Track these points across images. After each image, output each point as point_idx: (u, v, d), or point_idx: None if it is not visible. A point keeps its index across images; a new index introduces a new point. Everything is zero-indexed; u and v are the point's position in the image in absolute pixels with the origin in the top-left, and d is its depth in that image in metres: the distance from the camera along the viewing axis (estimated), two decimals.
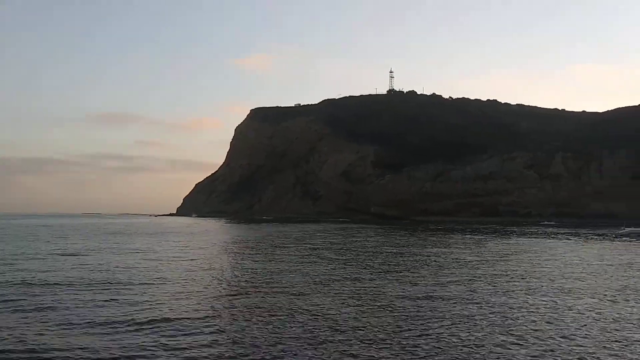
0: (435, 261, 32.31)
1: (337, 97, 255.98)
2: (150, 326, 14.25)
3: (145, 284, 21.86)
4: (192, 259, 32.91)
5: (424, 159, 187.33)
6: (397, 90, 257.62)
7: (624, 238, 62.38)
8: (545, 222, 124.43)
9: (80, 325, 14.42)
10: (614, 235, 67.80)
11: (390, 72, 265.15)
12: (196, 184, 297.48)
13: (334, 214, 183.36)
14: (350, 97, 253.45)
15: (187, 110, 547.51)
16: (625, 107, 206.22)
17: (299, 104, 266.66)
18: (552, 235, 68.06)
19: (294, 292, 19.91)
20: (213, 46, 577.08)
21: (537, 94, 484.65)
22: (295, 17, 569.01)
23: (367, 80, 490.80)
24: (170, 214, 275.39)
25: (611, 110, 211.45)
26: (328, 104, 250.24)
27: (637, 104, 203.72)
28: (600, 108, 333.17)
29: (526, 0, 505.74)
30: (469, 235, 67.37)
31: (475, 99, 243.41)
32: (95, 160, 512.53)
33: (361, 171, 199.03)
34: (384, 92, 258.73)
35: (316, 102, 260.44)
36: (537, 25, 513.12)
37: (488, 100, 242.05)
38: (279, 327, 14.33)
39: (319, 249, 41.70)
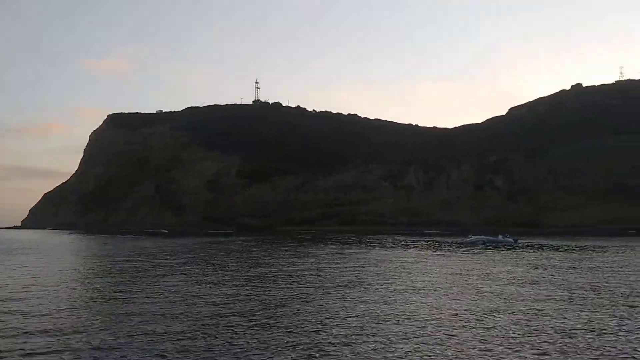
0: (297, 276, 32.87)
1: (201, 105, 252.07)
2: None
3: None
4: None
5: (288, 170, 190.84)
6: (263, 101, 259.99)
7: (471, 245, 70.44)
8: (431, 231, 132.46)
9: None
10: (464, 243, 75.40)
11: (256, 82, 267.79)
12: (44, 194, 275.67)
13: (198, 226, 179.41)
14: (215, 105, 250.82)
15: (32, 114, 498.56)
16: (470, 124, 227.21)
17: (161, 111, 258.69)
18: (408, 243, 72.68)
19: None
20: (62, 45, 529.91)
21: (393, 109, 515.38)
22: (157, 21, 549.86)
23: (232, 89, 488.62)
24: (15, 227, 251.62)
25: (458, 126, 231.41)
26: (192, 112, 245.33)
27: (480, 122, 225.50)
28: (449, 124, 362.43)
29: (379, 19, 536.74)
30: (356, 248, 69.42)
31: (337, 113, 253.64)
32: None
33: (226, 181, 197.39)
34: (250, 102, 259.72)
35: (179, 110, 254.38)
36: (395, 43, 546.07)
37: (349, 114, 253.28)
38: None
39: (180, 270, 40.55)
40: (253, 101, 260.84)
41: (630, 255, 50.49)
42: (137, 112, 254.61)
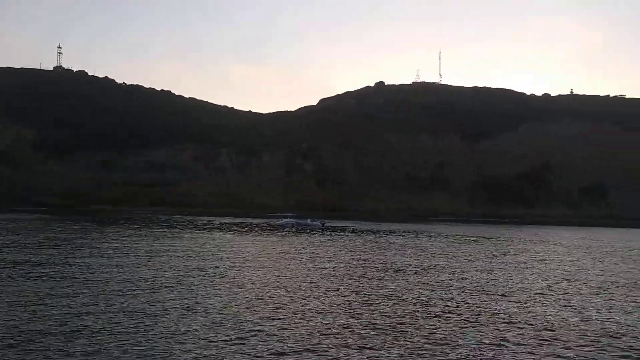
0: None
1: None
2: None
3: None
4: None
5: (94, 146, 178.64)
6: (66, 68, 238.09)
7: (284, 228, 74.52)
8: (244, 212, 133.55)
9: None
10: (274, 226, 79.07)
11: (59, 47, 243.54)
12: None
13: None
14: (9, 68, 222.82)
15: None
16: (283, 111, 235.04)
17: None
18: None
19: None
20: None
21: (209, 90, 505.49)
22: None
23: (29, 52, 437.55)
24: None
25: (272, 112, 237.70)
26: None
27: (293, 109, 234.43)
28: (264, 110, 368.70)
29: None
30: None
31: (150, 88, 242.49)
32: None
33: (20, 155, 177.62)
34: (51, 68, 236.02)
35: None
36: (214, 23, 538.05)
37: (162, 90, 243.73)
38: None
39: None
40: (54, 67, 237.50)
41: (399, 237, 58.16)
42: None
